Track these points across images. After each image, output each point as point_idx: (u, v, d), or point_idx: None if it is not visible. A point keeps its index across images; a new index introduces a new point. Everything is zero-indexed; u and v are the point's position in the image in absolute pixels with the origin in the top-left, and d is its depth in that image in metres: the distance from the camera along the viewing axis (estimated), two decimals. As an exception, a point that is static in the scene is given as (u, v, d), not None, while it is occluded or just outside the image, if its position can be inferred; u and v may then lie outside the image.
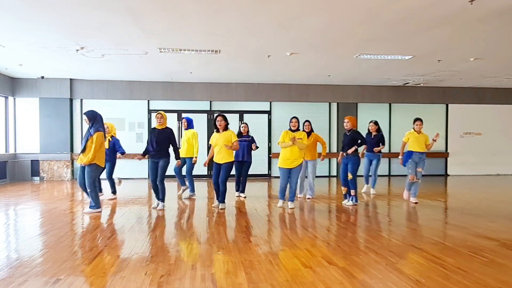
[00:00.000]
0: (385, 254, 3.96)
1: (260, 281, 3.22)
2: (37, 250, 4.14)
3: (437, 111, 12.77)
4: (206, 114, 11.73)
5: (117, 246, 4.31)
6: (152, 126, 6.31)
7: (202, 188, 9.29)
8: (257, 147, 7.64)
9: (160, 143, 6.33)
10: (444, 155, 12.72)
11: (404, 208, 6.76)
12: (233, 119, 11.82)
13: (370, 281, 3.21)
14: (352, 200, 6.84)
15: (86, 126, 11.17)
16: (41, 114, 10.97)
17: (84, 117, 6.17)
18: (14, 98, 11.05)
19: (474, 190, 9.48)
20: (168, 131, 6.43)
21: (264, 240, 4.59)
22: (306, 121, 7.46)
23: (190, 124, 7.55)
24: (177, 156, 6.62)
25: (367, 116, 12.31)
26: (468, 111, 12.84)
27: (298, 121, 6.55)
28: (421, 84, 12.14)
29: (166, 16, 5.72)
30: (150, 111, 11.54)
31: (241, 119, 11.75)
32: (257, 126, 11.73)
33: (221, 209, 6.43)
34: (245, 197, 7.66)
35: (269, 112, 12.06)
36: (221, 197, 6.55)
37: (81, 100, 11.36)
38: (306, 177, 7.55)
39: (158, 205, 6.45)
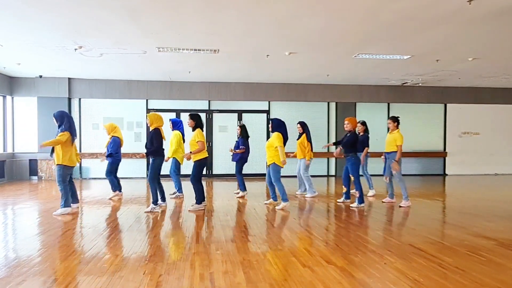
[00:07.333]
0: (383, 254, 3.97)
1: (258, 280, 3.22)
2: (35, 250, 4.14)
3: (435, 111, 12.77)
4: (204, 114, 11.73)
5: (116, 246, 4.31)
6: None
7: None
8: (235, 152, 7.90)
9: (149, 143, 6.45)
10: (442, 154, 12.74)
11: (402, 207, 6.76)
12: (232, 118, 11.93)
13: (368, 281, 3.22)
14: (357, 202, 6.68)
15: (84, 125, 11.39)
16: (39, 113, 10.93)
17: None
18: (12, 97, 11.02)
19: (472, 189, 9.49)
20: (150, 132, 6.43)
21: (263, 239, 4.60)
22: (298, 122, 7.83)
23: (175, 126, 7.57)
24: (149, 153, 6.37)
25: (366, 116, 12.33)
26: (466, 111, 12.86)
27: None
28: (420, 84, 12.14)
29: (164, 15, 5.71)
30: (148, 111, 11.52)
31: (239, 118, 11.77)
32: (255, 126, 11.76)
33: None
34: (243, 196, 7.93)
35: (267, 112, 12.06)
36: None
37: (80, 99, 11.35)
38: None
39: (152, 208, 6.26)
